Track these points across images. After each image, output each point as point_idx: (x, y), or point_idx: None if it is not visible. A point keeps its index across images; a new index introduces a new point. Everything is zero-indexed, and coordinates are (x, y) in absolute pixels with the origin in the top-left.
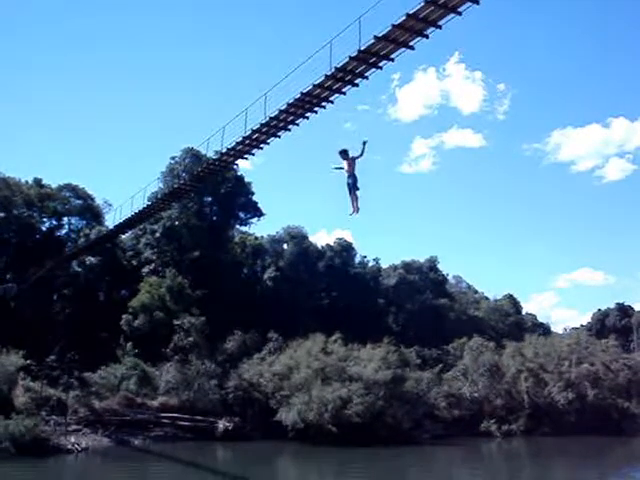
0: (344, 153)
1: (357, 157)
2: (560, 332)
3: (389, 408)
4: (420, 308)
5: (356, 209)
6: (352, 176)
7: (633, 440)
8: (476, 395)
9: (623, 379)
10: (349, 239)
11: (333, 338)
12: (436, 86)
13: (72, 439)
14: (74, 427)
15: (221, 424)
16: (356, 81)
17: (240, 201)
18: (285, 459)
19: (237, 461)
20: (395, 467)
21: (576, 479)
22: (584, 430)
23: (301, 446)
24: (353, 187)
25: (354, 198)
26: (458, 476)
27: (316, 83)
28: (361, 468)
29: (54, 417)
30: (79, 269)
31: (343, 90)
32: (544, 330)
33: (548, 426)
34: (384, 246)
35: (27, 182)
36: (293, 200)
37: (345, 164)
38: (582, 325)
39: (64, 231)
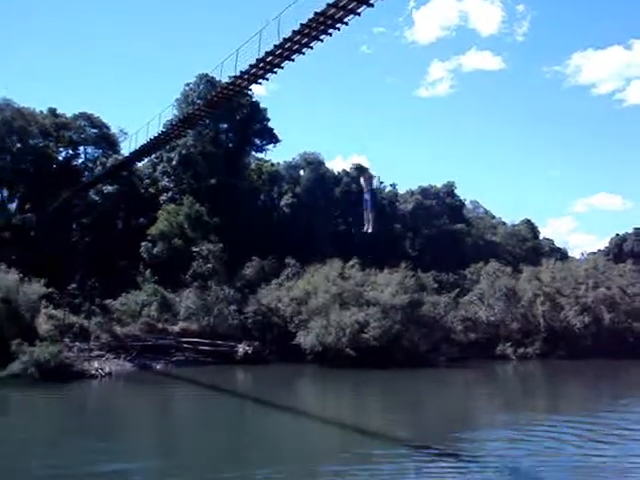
0: (361, 170)
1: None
2: (577, 257)
3: (406, 332)
4: (437, 233)
5: (369, 226)
6: (369, 192)
7: None
8: (492, 319)
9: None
10: (365, 165)
11: (350, 263)
12: (454, 7)
13: (95, 364)
14: (97, 353)
15: (241, 348)
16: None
17: (255, 127)
18: (304, 381)
19: (257, 383)
20: (411, 388)
21: (590, 399)
22: (599, 354)
23: (319, 369)
24: (370, 204)
25: (369, 215)
26: (473, 396)
27: (330, 2)
28: (378, 389)
29: (77, 343)
30: (97, 198)
31: (358, 10)
32: (561, 255)
33: (564, 349)
34: (401, 172)
35: (42, 112)
36: (309, 126)
37: (362, 181)
38: (599, 250)
39: (80, 160)
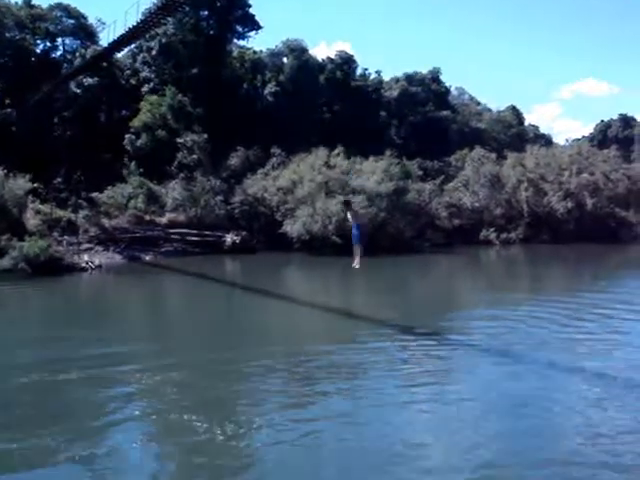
0: (347, 204)
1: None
2: (562, 143)
3: (391, 219)
4: (422, 120)
5: (357, 262)
6: (357, 227)
7: (629, 247)
8: (477, 205)
9: (622, 189)
10: (350, 52)
11: (335, 152)
12: None
13: (85, 257)
14: (86, 246)
15: (228, 238)
16: None
17: (237, 14)
18: (291, 269)
19: (245, 272)
20: (397, 274)
21: (572, 281)
22: (582, 238)
23: (306, 257)
24: (358, 239)
25: (357, 250)
26: (458, 280)
27: None
28: (364, 275)
29: (66, 237)
30: (78, 91)
31: None
32: (546, 141)
33: (546, 234)
34: (386, 58)
35: (17, 3)
36: (291, 12)
37: (349, 215)
38: (584, 136)
39: (59, 53)
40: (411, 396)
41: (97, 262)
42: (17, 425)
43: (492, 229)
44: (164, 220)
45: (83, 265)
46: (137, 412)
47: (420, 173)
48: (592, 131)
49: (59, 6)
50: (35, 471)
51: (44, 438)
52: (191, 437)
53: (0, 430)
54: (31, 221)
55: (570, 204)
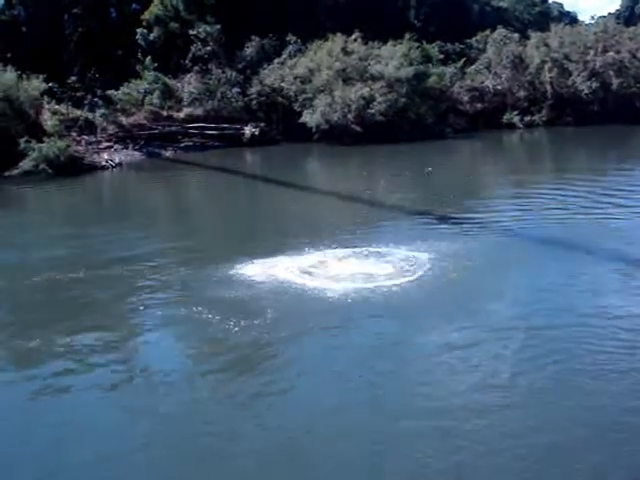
0: None
1: None
2: (587, 21)
3: (412, 105)
4: (442, 1)
5: None
6: None
7: None
8: (499, 87)
9: None
10: None
11: (353, 37)
12: None
13: (105, 156)
14: (105, 145)
15: (247, 130)
16: None
17: None
18: (312, 158)
19: (265, 163)
20: (418, 160)
21: (596, 163)
22: (606, 120)
23: (326, 147)
24: None
25: None
26: (480, 164)
27: None
28: (385, 163)
29: (84, 137)
30: None
31: None
32: (571, 19)
33: (570, 116)
34: None
35: None
36: None
37: None
38: (610, 13)
39: None
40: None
41: (117, 160)
42: (28, 323)
43: (515, 112)
44: (181, 115)
45: (103, 164)
46: (154, 310)
47: (441, 56)
48: (618, 8)
49: None
50: (44, 367)
51: (58, 335)
52: (205, 330)
53: (16, 328)
54: (48, 122)
55: (595, 84)
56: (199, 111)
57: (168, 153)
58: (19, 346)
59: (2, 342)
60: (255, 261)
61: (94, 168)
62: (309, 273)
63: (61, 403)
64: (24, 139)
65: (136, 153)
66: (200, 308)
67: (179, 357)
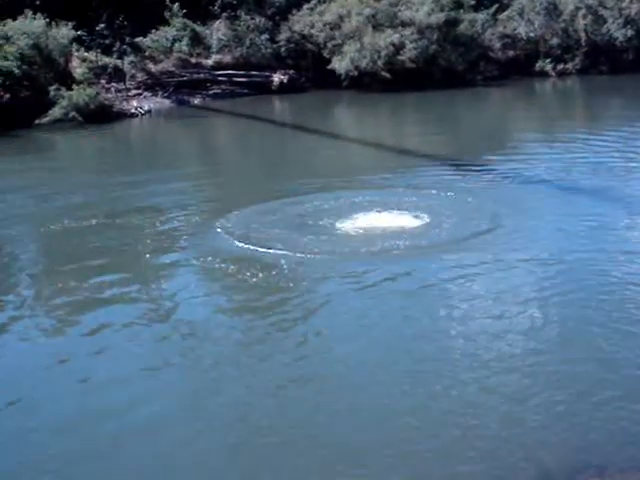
0: None
1: None
2: None
3: (443, 52)
4: None
5: None
6: None
7: None
8: (532, 35)
9: None
10: None
11: None
12: None
13: (134, 103)
14: (134, 92)
15: (276, 77)
16: None
17: None
18: (341, 106)
19: (295, 111)
20: (449, 108)
21: (631, 110)
22: None
23: (356, 94)
24: None
25: None
26: (511, 113)
27: None
28: (415, 111)
29: (113, 84)
30: None
31: None
32: None
33: (605, 65)
34: None
35: None
36: None
37: None
38: None
39: None
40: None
41: (146, 107)
42: (44, 271)
43: (548, 60)
44: (210, 62)
45: (133, 111)
46: (170, 255)
47: (472, 2)
48: None
49: None
50: (55, 313)
51: (74, 282)
52: (223, 280)
53: (32, 276)
54: (77, 70)
55: (630, 32)
56: (228, 58)
57: (196, 100)
58: (38, 292)
59: (19, 288)
60: (283, 205)
61: (123, 115)
62: (336, 218)
63: (86, 345)
64: (54, 87)
65: (165, 100)
66: (222, 256)
67: (196, 303)
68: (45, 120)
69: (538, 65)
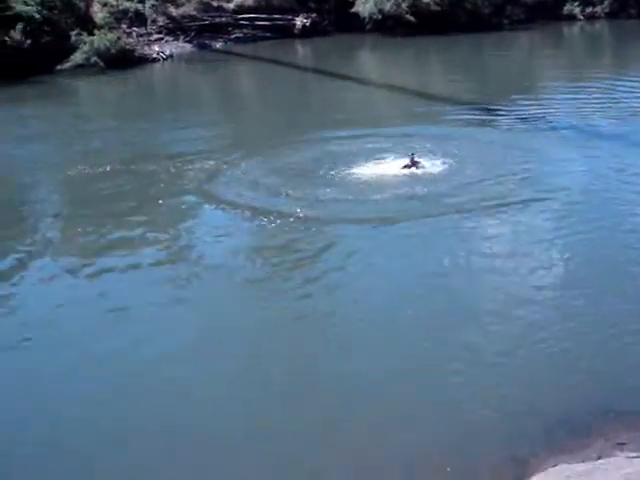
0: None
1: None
2: None
3: None
4: None
5: None
6: None
7: None
8: None
9: None
10: None
11: None
12: None
13: (155, 48)
14: (155, 37)
15: (298, 21)
16: None
17: None
18: (365, 50)
19: (317, 54)
20: (474, 52)
21: None
22: None
23: (379, 38)
24: None
25: None
26: (538, 57)
27: None
28: (440, 55)
29: (135, 29)
30: None
31: None
32: None
33: (634, 8)
34: None
35: None
36: None
37: None
38: None
39: None
40: None
41: (168, 52)
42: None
43: (576, 3)
44: (232, 6)
45: (154, 56)
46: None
47: None
48: None
49: None
50: (75, 254)
51: (91, 227)
52: (235, 224)
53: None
54: (98, 14)
55: None
56: (250, 1)
57: (218, 45)
58: (57, 236)
59: (39, 233)
60: (301, 150)
61: (145, 60)
62: (354, 163)
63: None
64: (75, 32)
65: (186, 45)
66: (234, 201)
67: (208, 246)
68: (67, 66)
69: (566, 8)
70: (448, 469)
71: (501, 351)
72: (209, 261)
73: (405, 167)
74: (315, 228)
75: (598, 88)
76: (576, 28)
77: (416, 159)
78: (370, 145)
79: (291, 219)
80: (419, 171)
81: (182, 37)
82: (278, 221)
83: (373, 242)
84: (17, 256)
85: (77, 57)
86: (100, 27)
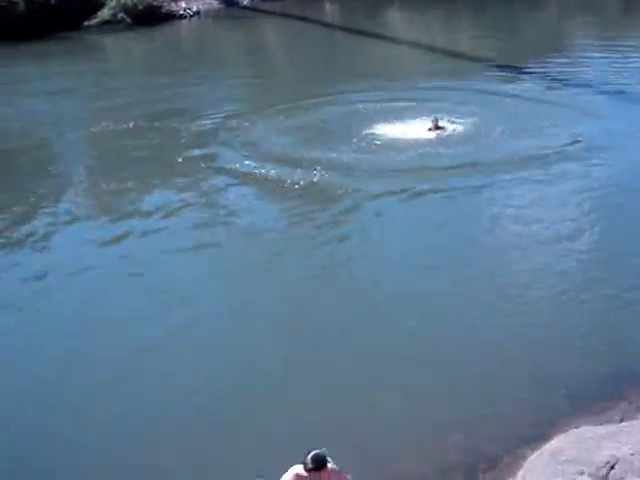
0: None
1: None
2: None
3: None
4: None
5: None
6: None
7: None
8: None
9: None
10: None
11: None
12: None
13: (182, 4)
14: None
15: None
16: None
17: None
18: (393, 9)
19: (346, 12)
20: (505, 11)
21: None
22: None
23: None
24: None
25: None
26: (571, 16)
27: None
28: (470, 14)
29: None
30: None
31: None
32: None
33: None
34: None
35: None
36: None
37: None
38: None
39: None
40: None
41: (195, 9)
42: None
43: None
44: None
45: (181, 12)
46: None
47: None
48: None
49: None
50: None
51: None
52: (255, 182)
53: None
54: None
55: None
56: None
57: (245, 1)
58: (77, 192)
59: (65, 188)
60: (327, 106)
61: (172, 17)
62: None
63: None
64: None
65: (213, 1)
66: (263, 159)
67: (230, 202)
68: (93, 22)
69: None
70: (468, 428)
71: (525, 313)
72: (231, 219)
73: (429, 130)
74: (337, 188)
75: (631, 47)
76: None
77: (440, 124)
78: (396, 104)
79: (312, 178)
80: (443, 133)
81: None
82: (299, 180)
83: (397, 201)
84: (39, 212)
85: (104, 13)
86: None
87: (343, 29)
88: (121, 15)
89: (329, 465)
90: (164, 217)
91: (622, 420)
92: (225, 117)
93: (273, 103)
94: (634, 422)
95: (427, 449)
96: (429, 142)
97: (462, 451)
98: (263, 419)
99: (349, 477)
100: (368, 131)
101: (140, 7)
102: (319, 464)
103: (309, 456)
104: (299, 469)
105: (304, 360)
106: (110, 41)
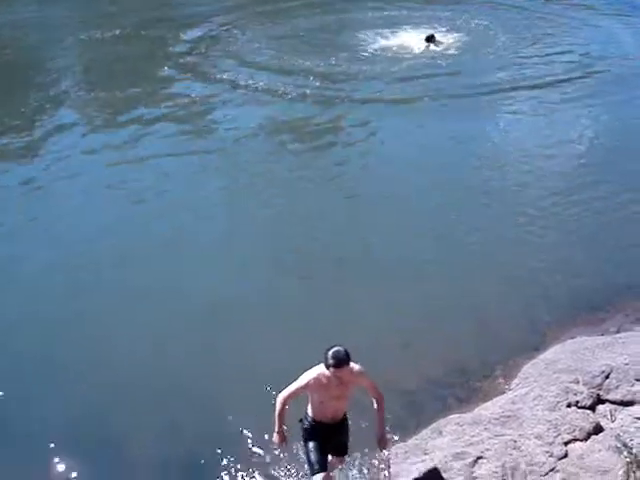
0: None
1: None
2: None
3: None
4: None
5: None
6: None
7: None
8: None
9: None
10: None
11: None
12: None
13: None
14: None
15: None
16: None
17: None
18: None
19: None
20: None
21: None
22: None
23: None
24: None
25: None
26: None
27: None
28: None
29: None
30: None
31: None
32: None
33: None
34: None
35: None
36: None
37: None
38: None
39: None
40: None
41: None
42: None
43: None
44: None
45: None
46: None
47: None
48: None
49: None
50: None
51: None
52: (250, 93)
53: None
54: None
55: None
56: None
57: None
58: (63, 100)
59: (53, 98)
60: (316, 15)
61: None
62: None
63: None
64: None
65: None
66: (250, 69)
67: (225, 120)
68: None
69: None
70: (463, 340)
71: (525, 224)
72: (220, 127)
73: (426, 40)
74: (330, 101)
75: None
76: None
77: (437, 38)
78: (387, 13)
79: (305, 90)
80: (438, 47)
81: None
82: (291, 92)
83: (389, 114)
84: (28, 122)
85: None
86: None
87: None
88: None
89: (351, 364)
90: (150, 125)
91: (618, 331)
92: (212, 25)
93: (260, 10)
94: (630, 333)
95: (422, 361)
96: (422, 56)
97: (458, 362)
98: (257, 330)
99: (376, 385)
100: (361, 41)
101: None
102: (339, 361)
103: (329, 352)
104: (321, 367)
105: (297, 272)
106: None
